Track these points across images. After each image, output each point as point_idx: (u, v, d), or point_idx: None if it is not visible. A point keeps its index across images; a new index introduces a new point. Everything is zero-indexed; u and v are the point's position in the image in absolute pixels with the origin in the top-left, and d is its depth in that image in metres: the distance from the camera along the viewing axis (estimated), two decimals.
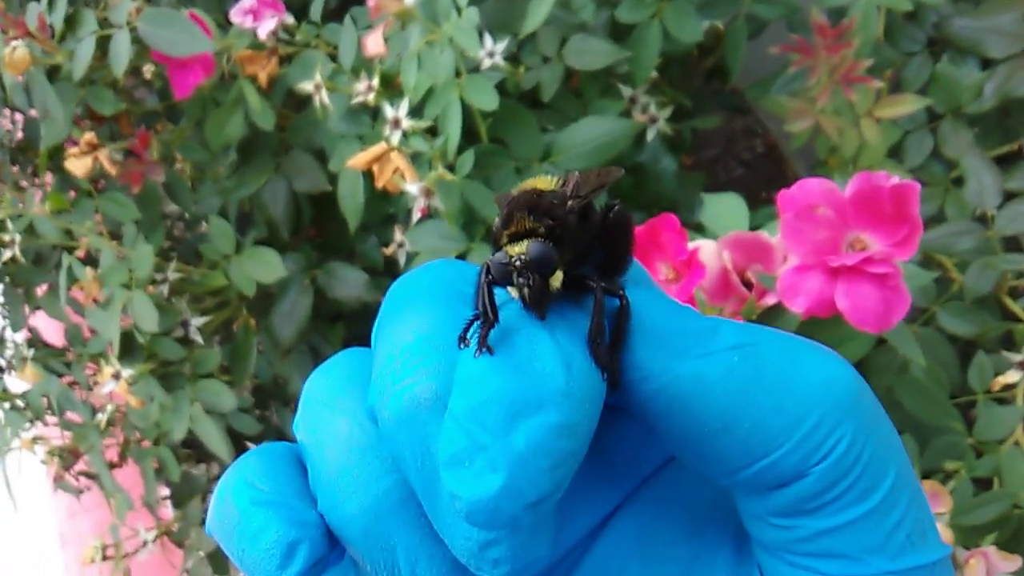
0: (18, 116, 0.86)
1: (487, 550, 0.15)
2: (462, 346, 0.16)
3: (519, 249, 0.16)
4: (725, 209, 0.48)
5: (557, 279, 0.16)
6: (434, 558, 0.16)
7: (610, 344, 0.16)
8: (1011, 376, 0.50)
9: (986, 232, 0.59)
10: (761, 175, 1.15)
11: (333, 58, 0.64)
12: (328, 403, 0.18)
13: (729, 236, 0.37)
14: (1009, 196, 0.62)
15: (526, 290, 0.16)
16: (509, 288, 0.16)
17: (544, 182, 0.19)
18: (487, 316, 0.16)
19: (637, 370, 0.16)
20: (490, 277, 0.16)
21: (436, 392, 0.16)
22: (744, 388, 0.16)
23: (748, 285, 0.38)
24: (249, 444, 0.80)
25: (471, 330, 0.16)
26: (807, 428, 0.16)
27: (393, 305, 0.18)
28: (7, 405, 0.87)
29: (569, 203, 0.18)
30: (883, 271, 0.30)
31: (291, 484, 0.17)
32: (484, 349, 0.15)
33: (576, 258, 0.18)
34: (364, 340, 0.18)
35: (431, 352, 0.16)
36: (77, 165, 0.60)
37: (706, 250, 0.37)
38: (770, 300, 0.36)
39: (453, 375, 0.16)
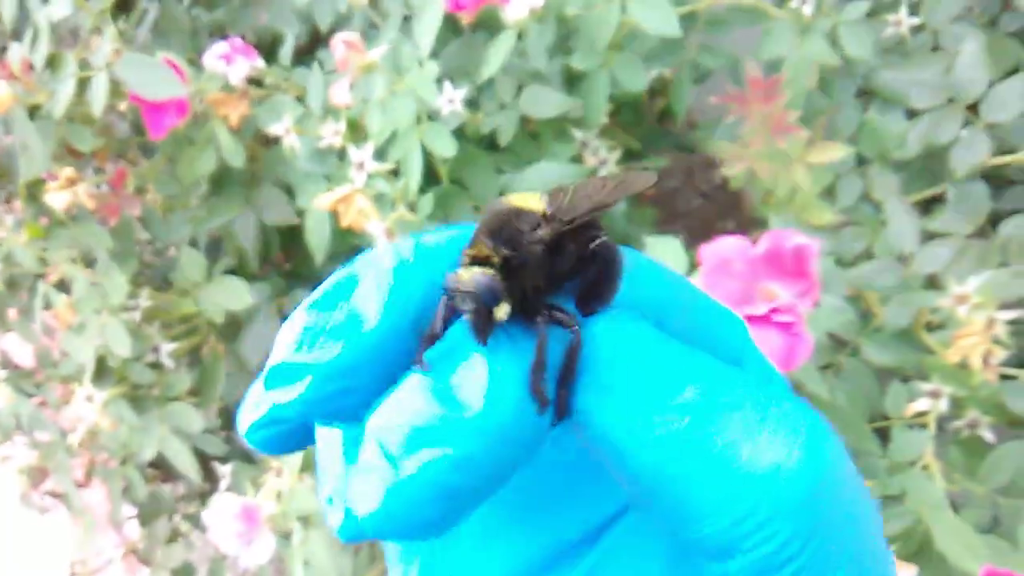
0: None
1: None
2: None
3: (467, 276, 0.16)
4: (666, 253, 0.53)
5: (502, 311, 0.16)
6: None
7: (560, 378, 0.16)
8: (922, 404, 0.55)
9: (905, 271, 0.65)
10: (719, 205, 1.20)
11: (301, 100, 0.68)
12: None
13: None
14: (933, 236, 0.67)
15: (469, 316, 0.16)
16: None
17: (531, 199, 0.18)
18: (432, 330, 0.16)
19: (578, 412, 0.16)
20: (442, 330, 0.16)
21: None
22: (679, 459, 0.15)
23: None
24: (215, 464, 0.83)
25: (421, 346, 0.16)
26: (736, 516, 0.15)
27: None
28: None
29: (539, 233, 0.17)
30: (788, 319, 0.35)
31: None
32: (420, 364, 0.15)
33: (547, 284, 0.17)
34: None
35: None
36: (57, 199, 0.63)
37: None
38: None
39: None
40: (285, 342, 0.16)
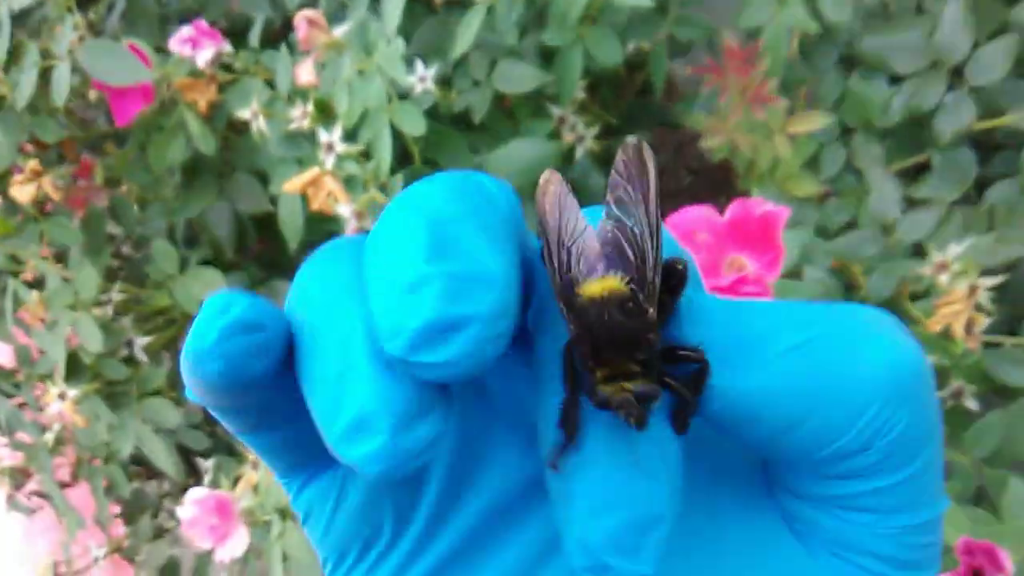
0: None
1: None
2: (563, 431, 0.16)
3: (620, 394, 0.16)
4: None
5: (658, 400, 0.16)
6: None
7: (690, 401, 0.17)
8: None
9: (888, 240, 0.63)
10: (709, 182, 1.18)
11: (271, 83, 0.66)
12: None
13: None
14: (919, 203, 0.66)
15: (631, 420, 0.16)
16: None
17: (609, 282, 0.17)
18: (569, 437, 0.16)
19: (702, 399, 0.17)
20: (577, 391, 0.16)
21: None
22: (807, 389, 0.16)
23: None
24: (198, 459, 0.82)
25: (566, 416, 0.16)
26: (870, 415, 0.16)
27: None
28: None
29: (651, 315, 0.17)
30: (754, 290, 0.34)
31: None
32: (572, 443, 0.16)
33: None
34: None
35: None
36: (22, 192, 0.62)
37: None
38: None
39: None
40: (428, 301, 0.14)
